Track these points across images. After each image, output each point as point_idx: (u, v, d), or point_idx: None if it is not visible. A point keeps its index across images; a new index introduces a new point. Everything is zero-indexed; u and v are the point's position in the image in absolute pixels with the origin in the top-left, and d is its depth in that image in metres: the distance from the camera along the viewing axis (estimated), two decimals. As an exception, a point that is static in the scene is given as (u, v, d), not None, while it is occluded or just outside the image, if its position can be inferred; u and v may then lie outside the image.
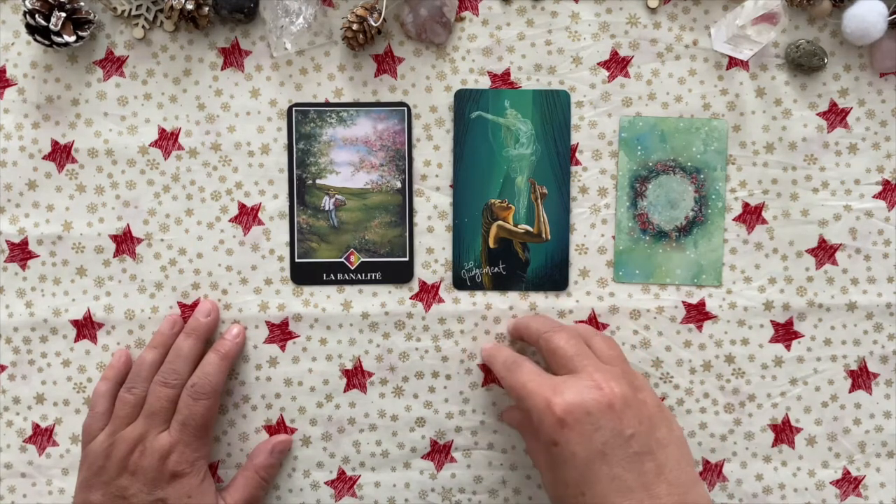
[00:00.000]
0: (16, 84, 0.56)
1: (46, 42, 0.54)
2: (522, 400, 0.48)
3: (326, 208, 0.57)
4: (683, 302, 0.57)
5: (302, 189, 0.56)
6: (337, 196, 0.57)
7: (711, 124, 0.56)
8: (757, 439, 0.57)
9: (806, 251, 0.57)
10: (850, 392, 0.57)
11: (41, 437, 0.57)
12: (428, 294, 0.57)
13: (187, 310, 0.57)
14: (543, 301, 0.57)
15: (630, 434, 0.45)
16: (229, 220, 0.57)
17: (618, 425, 0.45)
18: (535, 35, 0.56)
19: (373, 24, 0.54)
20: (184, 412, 0.53)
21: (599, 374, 0.47)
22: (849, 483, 0.57)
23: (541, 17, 0.56)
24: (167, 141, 0.56)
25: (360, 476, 0.58)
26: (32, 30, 0.54)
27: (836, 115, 0.56)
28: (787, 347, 0.57)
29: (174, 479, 0.52)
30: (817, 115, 0.56)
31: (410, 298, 0.57)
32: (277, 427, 0.57)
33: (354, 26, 0.54)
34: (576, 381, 0.47)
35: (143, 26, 0.56)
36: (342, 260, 0.57)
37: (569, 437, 0.45)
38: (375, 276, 0.57)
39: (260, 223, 0.57)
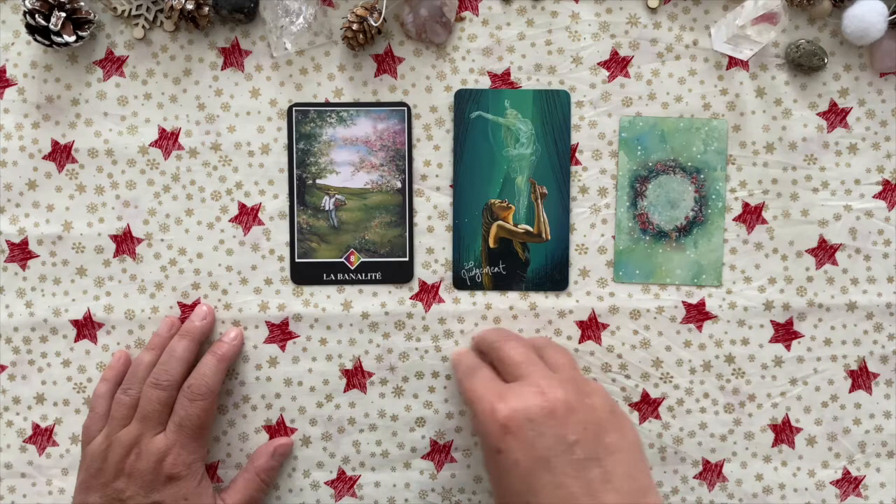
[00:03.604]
0: (16, 84, 0.56)
1: (46, 42, 0.54)
2: (471, 404, 0.47)
3: (326, 208, 0.57)
4: (683, 302, 0.57)
5: (302, 189, 0.56)
6: (337, 196, 0.57)
7: (711, 124, 0.56)
8: (757, 439, 0.57)
9: (806, 251, 0.57)
10: (850, 392, 0.57)
11: (41, 437, 0.57)
12: (428, 294, 0.57)
13: (187, 310, 0.57)
14: (543, 301, 0.57)
15: (574, 440, 0.44)
16: (229, 220, 0.57)
17: (560, 431, 0.44)
18: (535, 35, 0.56)
19: (373, 24, 0.54)
20: (180, 413, 0.53)
21: (544, 380, 0.46)
22: (849, 483, 0.57)
23: (541, 17, 0.56)
24: (167, 141, 0.56)
25: (360, 476, 0.58)
26: (32, 30, 0.54)
27: (836, 115, 0.56)
28: (787, 347, 0.57)
29: (170, 481, 0.52)
30: (817, 115, 0.56)
31: (410, 298, 0.57)
32: (277, 427, 0.57)
33: (354, 26, 0.54)
34: (520, 388, 0.46)
35: (143, 26, 0.56)
36: (342, 260, 0.57)
37: (511, 445, 0.44)
38: (375, 276, 0.57)
39: (260, 223, 0.57)
